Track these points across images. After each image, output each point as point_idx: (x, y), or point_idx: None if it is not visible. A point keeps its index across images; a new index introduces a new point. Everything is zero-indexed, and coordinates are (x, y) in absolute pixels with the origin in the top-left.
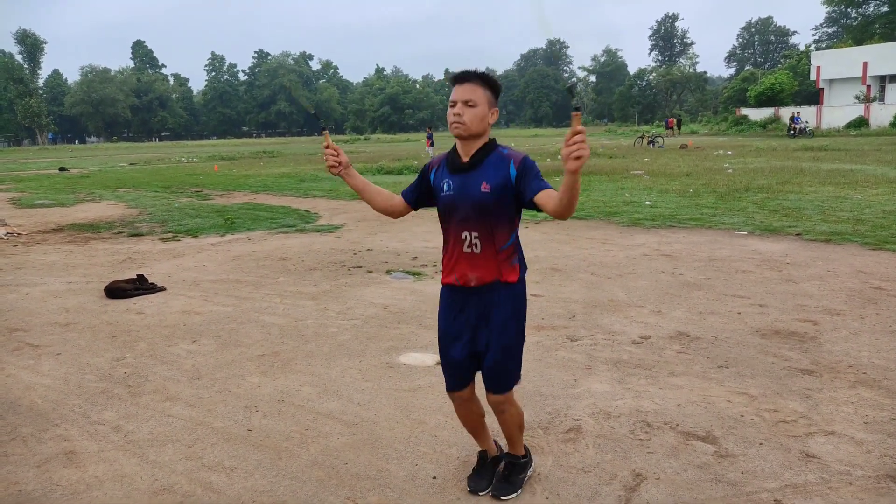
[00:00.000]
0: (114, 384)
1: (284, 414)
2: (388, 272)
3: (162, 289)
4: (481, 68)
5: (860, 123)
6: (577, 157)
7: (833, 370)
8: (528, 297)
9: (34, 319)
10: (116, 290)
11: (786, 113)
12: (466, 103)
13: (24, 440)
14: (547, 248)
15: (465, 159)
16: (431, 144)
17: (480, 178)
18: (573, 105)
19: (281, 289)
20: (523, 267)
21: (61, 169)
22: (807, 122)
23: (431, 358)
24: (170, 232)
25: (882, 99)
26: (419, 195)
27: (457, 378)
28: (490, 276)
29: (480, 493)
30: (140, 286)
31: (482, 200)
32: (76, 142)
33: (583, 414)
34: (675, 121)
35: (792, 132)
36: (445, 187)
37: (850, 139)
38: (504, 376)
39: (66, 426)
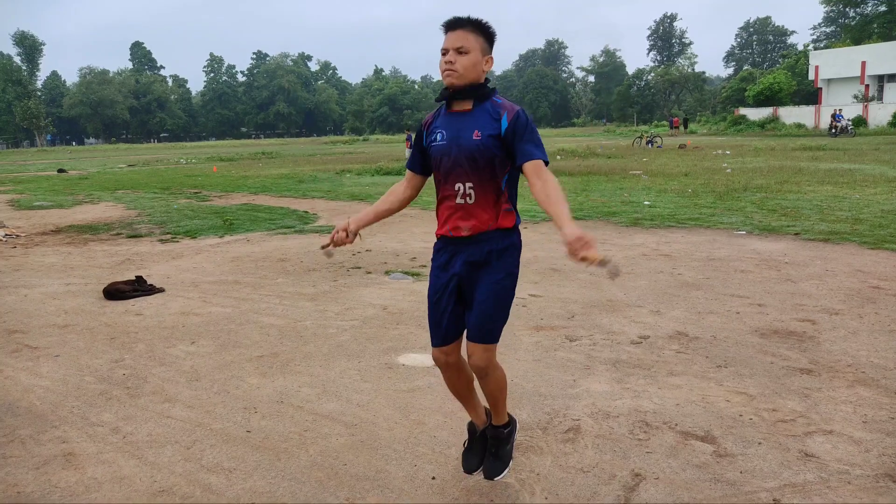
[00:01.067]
0: (112, 386)
1: (283, 415)
2: (386, 273)
3: (160, 290)
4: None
5: (859, 123)
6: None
7: (832, 369)
8: (527, 297)
9: (33, 321)
10: (115, 292)
11: (784, 113)
12: (458, 50)
13: (22, 442)
14: (545, 248)
15: (458, 107)
16: (411, 146)
17: (473, 126)
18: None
19: (280, 290)
20: (518, 215)
21: (60, 170)
22: (849, 120)
23: (430, 359)
24: (168, 233)
25: (880, 98)
26: (422, 158)
27: (443, 330)
28: (485, 225)
29: (473, 472)
30: (139, 287)
31: (474, 148)
32: (74, 143)
33: (582, 414)
34: (679, 120)
35: (833, 131)
36: (438, 137)
37: (848, 139)
38: (490, 325)
39: (65, 428)
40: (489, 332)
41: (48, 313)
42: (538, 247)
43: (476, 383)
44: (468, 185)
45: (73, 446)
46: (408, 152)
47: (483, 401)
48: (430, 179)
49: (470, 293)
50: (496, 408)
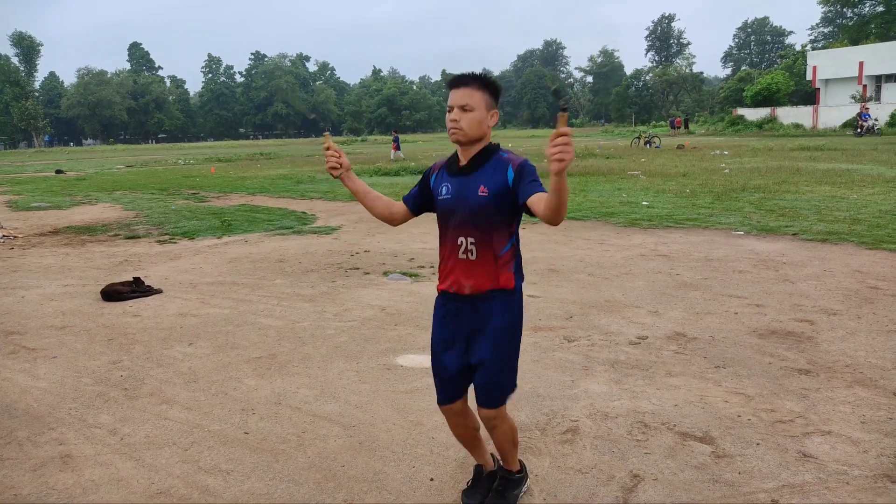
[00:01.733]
0: (110, 387)
1: (281, 416)
2: (385, 274)
3: (158, 291)
4: (478, 69)
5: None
6: (560, 159)
7: (830, 370)
8: (526, 298)
9: (30, 322)
10: (113, 293)
11: (782, 113)
12: (463, 108)
13: (19, 444)
14: (544, 248)
15: (464, 163)
16: (398, 148)
17: (479, 182)
18: (560, 105)
19: (278, 291)
20: (520, 276)
21: (58, 171)
22: (876, 119)
23: (428, 359)
24: (166, 234)
25: (878, 98)
26: (421, 201)
27: (449, 390)
28: (486, 285)
29: None
30: (136, 289)
31: (479, 205)
32: (72, 144)
33: (580, 415)
34: (681, 120)
35: (859, 130)
36: (444, 191)
37: (846, 139)
38: (496, 390)
39: (63, 430)
40: (496, 398)
41: (46, 315)
42: (537, 247)
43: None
44: (470, 240)
45: (71, 448)
46: (392, 153)
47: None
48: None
49: (474, 354)
50: (505, 456)
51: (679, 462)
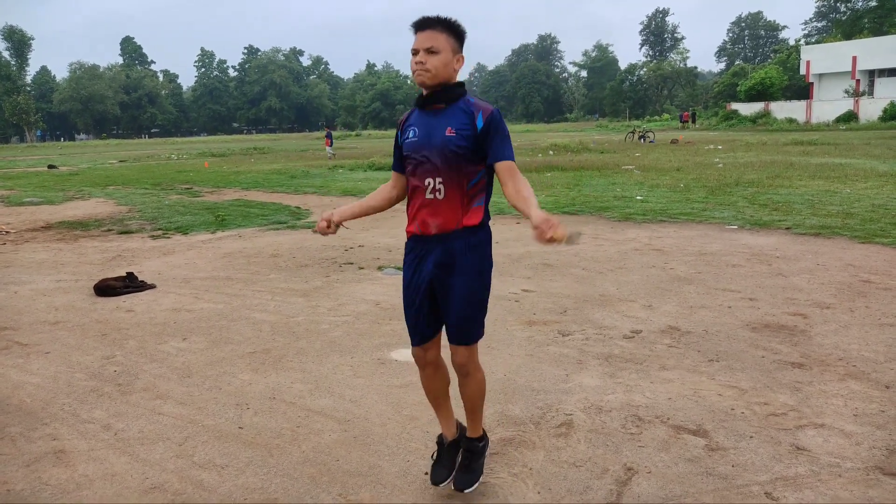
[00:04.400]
0: (103, 382)
1: (276, 411)
2: (379, 268)
3: (152, 286)
4: (472, 63)
5: (849, 118)
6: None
7: (823, 363)
8: (520, 291)
9: (23, 318)
10: (106, 288)
11: (776, 108)
12: (429, 50)
13: (12, 439)
14: (538, 243)
15: (431, 105)
16: (331, 144)
17: (446, 123)
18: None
19: (272, 286)
20: (487, 211)
21: (50, 166)
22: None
23: None
24: (160, 229)
25: (871, 93)
26: (402, 158)
27: (421, 330)
28: (452, 223)
29: (441, 485)
30: (130, 284)
31: (446, 145)
32: (64, 139)
33: (574, 408)
34: (689, 115)
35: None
36: (411, 134)
37: (839, 133)
38: (468, 327)
39: (56, 425)
40: (468, 334)
41: (38, 310)
42: (531, 241)
43: (454, 391)
44: (438, 179)
45: (64, 443)
46: (328, 150)
47: (457, 415)
48: None
49: (443, 294)
50: (473, 414)
51: (673, 455)
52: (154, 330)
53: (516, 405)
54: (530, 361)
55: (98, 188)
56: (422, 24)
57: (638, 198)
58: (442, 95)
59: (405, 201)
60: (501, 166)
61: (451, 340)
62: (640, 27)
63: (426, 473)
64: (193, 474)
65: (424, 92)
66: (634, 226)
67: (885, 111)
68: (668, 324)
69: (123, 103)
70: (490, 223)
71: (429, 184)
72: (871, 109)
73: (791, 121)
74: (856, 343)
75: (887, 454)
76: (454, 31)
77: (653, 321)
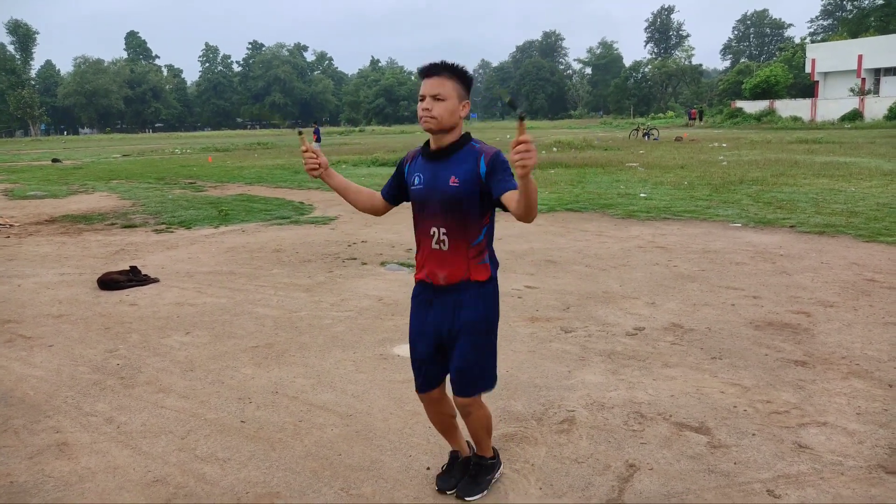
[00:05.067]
0: (106, 376)
1: (278, 405)
2: (382, 264)
3: (155, 280)
4: (477, 59)
5: (855, 116)
6: (524, 165)
7: (826, 361)
8: (523, 288)
9: (26, 311)
10: (109, 282)
11: (781, 106)
12: (435, 97)
13: (15, 432)
14: (542, 239)
15: (436, 153)
16: (318, 140)
17: (450, 172)
18: (518, 116)
19: (275, 280)
20: (494, 265)
21: (54, 160)
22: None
23: None
24: (163, 223)
25: (877, 92)
26: (397, 191)
27: (426, 378)
28: (459, 275)
29: (448, 493)
30: (133, 277)
31: (450, 194)
32: (68, 133)
33: (576, 405)
34: (697, 112)
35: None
36: (416, 181)
37: (844, 132)
38: (471, 379)
39: (59, 418)
40: (471, 387)
41: (42, 303)
42: (535, 238)
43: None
44: (442, 230)
45: (67, 436)
46: (316, 146)
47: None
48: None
49: (449, 345)
50: (479, 443)
51: (675, 452)
52: (157, 324)
53: (518, 401)
54: (533, 358)
55: (102, 182)
56: (429, 71)
57: (642, 195)
58: (450, 150)
59: (378, 217)
60: (507, 195)
61: (453, 390)
62: (646, 24)
63: (428, 468)
64: (195, 468)
65: (432, 145)
66: (638, 223)
67: (890, 110)
68: (672, 321)
69: (128, 98)
70: (498, 273)
71: (433, 234)
72: (876, 108)
73: (796, 119)
74: (859, 342)
75: (890, 452)
76: (461, 78)
77: (656, 318)
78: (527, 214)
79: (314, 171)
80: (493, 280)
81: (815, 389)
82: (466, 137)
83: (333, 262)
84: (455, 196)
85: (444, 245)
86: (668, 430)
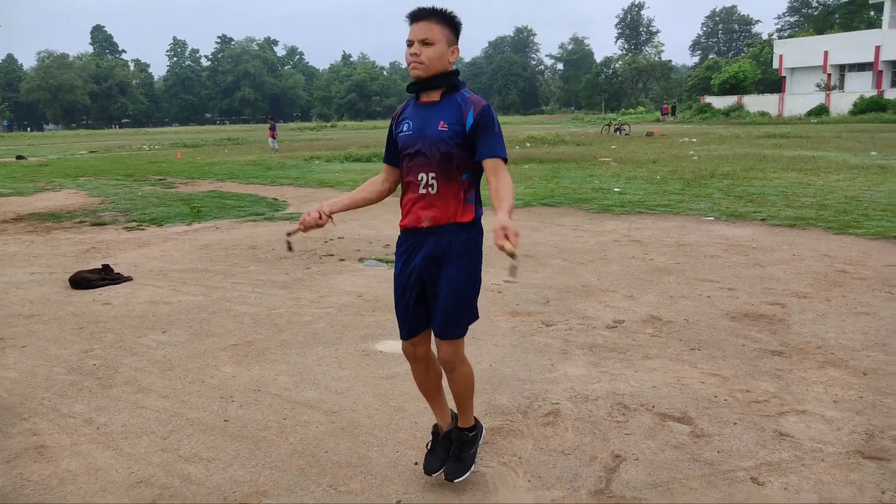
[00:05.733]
0: (83, 376)
1: (261, 403)
2: (360, 260)
3: (128, 279)
4: None
5: (821, 111)
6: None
7: (802, 351)
8: (503, 283)
9: None
10: (81, 281)
11: (749, 101)
12: (423, 42)
13: None
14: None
15: (427, 98)
16: (274, 136)
17: (439, 117)
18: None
19: (252, 278)
20: (479, 208)
21: (18, 157)
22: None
23: None
24: (134, 221)
25: (842, 87)
26: (395, 151)
27: (410, 323)
28: (444, 218)
29: (433, 474)
30: (106, 276)
31: (440, 139)
32: (31, 129)
33: (560, 398)
34: (669, 107)
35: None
36: (405, 127)
37: (811, 126)
38: (452, 320)
39: (36, 420)
40: (452, 329)
41: (12, 303)
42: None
43: (445, 383)
44: (431, 175)
45: (45, 438)
46: (270, 142)
47: (451, 404)
48: None
49: (432, 288)
50: (463, 407)
51: (659, 442)
52: (132, 323)
53: (503, 395)
54: (515, 352)
55: (69, 179)
56: (417, 16)
57: (616, 190)
58: (436, 83)
59: (396, 194)
60: (487, 163)
61: (435, 334)
62: (616, 20)
63: (416, 464)
64: (180, 468)
65: (422, 95)
66: (613, 217)
67: (854, 105)
68: (650, 313)
69: (93, 93)
70: (482, 218)
71: (422, 178)
72: (841, 103)
73: (763, 114)
74: (833, 331)
75: (867, 438)
76: (449, 23)
77: (634, 311)
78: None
79: (322, 222)
80: (477, 222)
81: (793, 378)
82: (458, 82)
83: (310, 258)
84: (444, 141)
85: (433, 189)
86: (652, 421)
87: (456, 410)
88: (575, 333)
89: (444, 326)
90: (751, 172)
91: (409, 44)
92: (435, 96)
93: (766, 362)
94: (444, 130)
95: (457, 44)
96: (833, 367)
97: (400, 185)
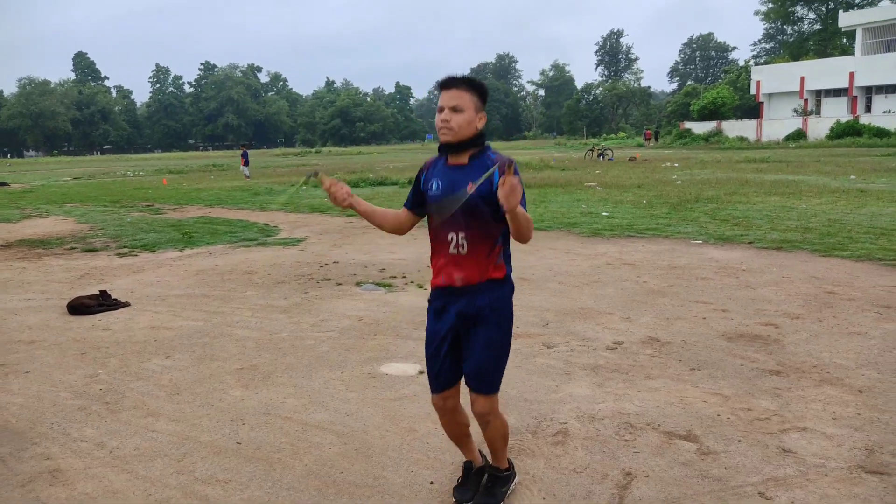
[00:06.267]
0: (90, 401)
1: (272, 426)
2: (357, 284)
3: (126, 304)
4: (431, 80)
5: (799, 136)
6: (507, 204)
7: (798, 370)
8: None
9: None
10: (79, 307)
11: (728, 126)
12: (453, 109)
13: (3, 460)
14: (513, 258)
15: (455, 160)
16: (246, 163)
17: (467, 179)
18: (508, 166)
19: (250, 302)
20: (509, 265)
21: (1, 184)
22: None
23: (413, 367)
24: (125, 247)
25: (818, 112)
26: (419, 201)
27: (441, 379)
28: (476, 277)
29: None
30: (104, 302)
31: (468, 202)
32: (10, 155)
33: (568, 417)
34: (651, 132)
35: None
36: (434, 187)
37: (789, 151)
38: (488, 376)
39: (47, 444)
40: (488, 385)
41: (11, 329)
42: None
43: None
44: (461, 234)
45: (59, 462)
46: (244, 170)
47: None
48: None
49: (465, 344)
50: (496, 454)
51: (667, 459)
52: (135, 348)
53: (511, 415)
54: (519, 373)
55: (55, 206)
56: (447, 84)
57: (604, 214)
58: (464, 147)
59: (400, 234)
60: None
61: (469, 388)
62: (596, 48)
63: (431, 483)
64: (197, 489)
65: (450, 159)
66: (604, 241)
67: (831, 129)
68: (648, 335)
69: (75, 119)
70: (511, 275)
71: (452, 238)
72: (818, 128)
73: (742, 139)
74: (827, 351)
75: (867, 454)
76: (478, 91)
77: (633, 332)
78: (518, 238)
79: (343, 202)
80: (508, 278)
81: (792, 397)
82: (484, 146)
83: (307, 282)
84: (472, 202)
85: (463, 249)
86: (659, 439)
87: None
88: (576, 355)
89: (480, 383)
90: (734, 196)
91: (440, 110)
92: (463, 159)
93: (765, 381)
94: (473, 194)
95: (484, 110)
96: (829, 386)
97: (430, 245)
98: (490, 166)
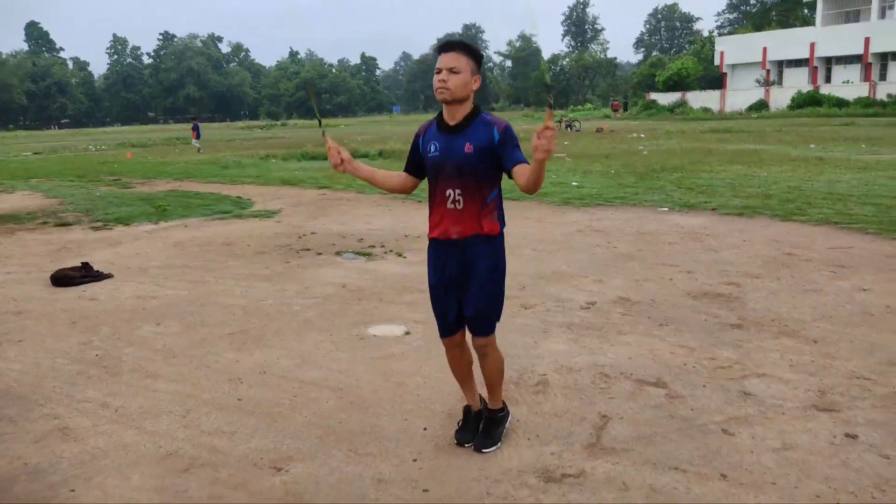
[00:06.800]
0: (88, 366)
1: (269, 384)
2: (337, 253)
3: (109, 276)
4: (397, 52)
5: (761, 106)
6: (547, 150)
7: (758, 324)
8: None
9: None
10: (63, 278)
11: (692, 97)
12: (451, 70)
13: (11, 420)
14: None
15: (451, 122)
16: (198, 136)
17: (464, 140)
18: (547, 102)
19: (233, 272)
20: (503, 222)
21: None
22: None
23: (399, 329)
24: (98, 221)
25: (780, 82)
26: (417, 164)
27: (447, 325)
28: (471, 230)
29: (466, 445)
30: (87, 273)
31: (465, 160)
32: None
33: (547, 369)
34: (619, 104)
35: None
36: (432, 148)
37: (752, 121)
38: (486, 320)
39: (52, 405)
40: (484, 327)
41: None
42: None
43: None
44: (457, 191)
45: (67, 421)
46: (194, 142)
47: (480, 389)
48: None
49: (464, 291)
50: (493, 390)
51: (639, 403)
52: (124, 316)
53: None
54: (500, 331)
55: (20, 181)
56: (446, 47)
57: (574, 184)
58: (465, 120)
59: (403, 195)
60: (518, 168)
61: (469, 330)
62: (562, 18)
63: (425, 429)
64: (205, 441)
65: (446, 118)
66: (574, 209)
67: (793, 100)
68: (619, 295)
69: (31, 92)
70: (504, 230)
71: (449, 195)
72: (780, 98)
73: (706, 110)
74: (785, 306)
75: (819, 395)
76: (473, 55)
77: (605, 293)
78: (534, 188)
79: (339, 167)
80: (501, 234)
81: (752, 347)
82: (478, 109)
83: (288, 252)
84: (470, 161)
85: (459, 205)
86: (631, 387)
87: (486, 395)
88: (553, 314)
89: (477, 325)
90: (698, 165)
91: (438, 71)
92: (458, 119)
93: (727, 334)
94: (470, 152)
95: (479, 73)
96: (787, 337)
97: (428, 199)
98: (486, 126)
